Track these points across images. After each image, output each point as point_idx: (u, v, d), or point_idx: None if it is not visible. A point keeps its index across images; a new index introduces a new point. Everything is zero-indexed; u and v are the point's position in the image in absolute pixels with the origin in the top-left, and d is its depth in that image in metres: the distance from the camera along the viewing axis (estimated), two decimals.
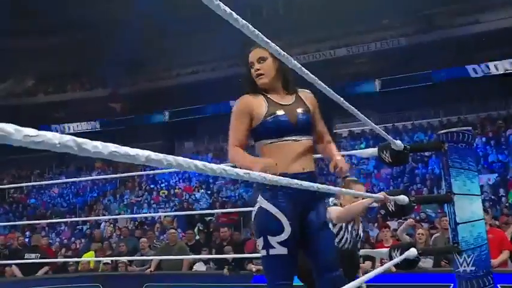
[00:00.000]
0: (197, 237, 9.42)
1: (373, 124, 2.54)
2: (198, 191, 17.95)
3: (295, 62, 1.61)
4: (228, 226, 8.71)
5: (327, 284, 2.17)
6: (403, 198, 2.79)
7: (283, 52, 1.50)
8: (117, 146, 0.68)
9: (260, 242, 2.20)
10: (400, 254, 2.74)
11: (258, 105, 2.27)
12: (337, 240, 3.09)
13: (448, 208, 2.87)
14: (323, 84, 1.84)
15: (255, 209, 2.28)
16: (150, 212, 16.33)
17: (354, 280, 1.95)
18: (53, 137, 0.58)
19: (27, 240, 10.04)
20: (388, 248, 3.03)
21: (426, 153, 15.20)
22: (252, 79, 2.35)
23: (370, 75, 22.42)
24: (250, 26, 1.23)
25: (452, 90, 19.93)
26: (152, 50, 25.30)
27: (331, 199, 3.23)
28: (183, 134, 25.69)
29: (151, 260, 6.74)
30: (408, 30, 23.40)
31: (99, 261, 7.32)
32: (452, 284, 4.57)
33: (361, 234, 3.52)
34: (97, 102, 26.92)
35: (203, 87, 23.82)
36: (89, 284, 6.69)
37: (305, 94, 2.40)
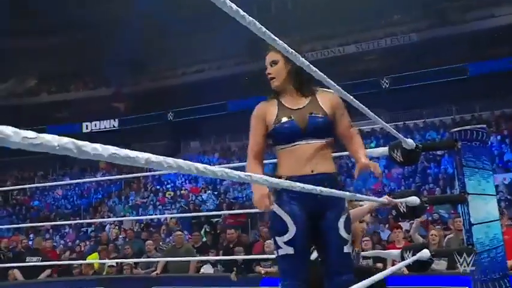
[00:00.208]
0: (204, 239, 9.45)
1: (384, 122, 2.53)
2: (205, 192, 17.99)
3: (303, 59, 1.62)
4: (235, 228, 8.72)
5: (335, 285, 2.22)
6: (414, 200, 2.78)
7: (291, 50, 1.50)
8: (117, 148, 0.69)
9: (272, 243, 2.33)
10: (413, 255, 2.74)
11: (270, 111, 2.38)
12: None
13: (462, 209, 2.86)
14: (332, 82, 1.84)
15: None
16: (155, 214, 16.39)
17: None
18: (52, 140, 0.58)
19: (30, 243, 10.09)
20: (400, 249, 3.02)
21: (438, 152, 15.12)
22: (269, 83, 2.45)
23: (379, 72, 22.34)
24: (257, 23, 1.23)
25: (465, 87, 19.80)
26: (156, 49, 25.39)
27: None
28: (189, 134, 25.76)
29: (157, 262, 6.76)
30: (420, 25, 23.28)
31: (104, 263, 7.34)
32: (467, 287, 4.55)
33: (361, 255, 3.50)
34: (100, 102, 27.06)
35: (208, 85, 23.88)
36: (94, 287, 6.72)
37: (324, 95, 2.39)
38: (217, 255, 7.13)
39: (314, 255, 2.52)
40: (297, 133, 2.29)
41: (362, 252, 4.71)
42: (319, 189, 1.75)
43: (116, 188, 20.95)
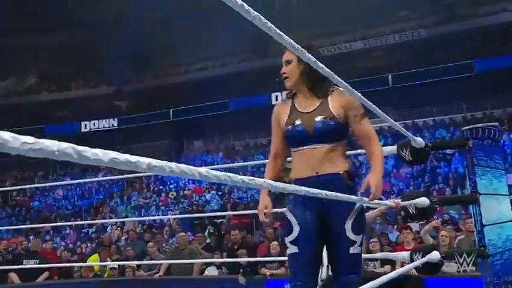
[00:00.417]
0: (208, 240, 9.46)
1: (392, 120, 2.52)
2: (209, 192, 18.00)
3: (310, 55, 1.61)
4: (240, 229, 8.71)
5: (341, 286, 2.32)
6: (422, 201, 2.77)
7: (297, 45, 1.50)
8: (117, 153, 0.69)
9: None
10: (422, 257, 2.72)
11: (283, 113, 2.46)
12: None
13: (474, 209, 2.84)
14: (339, 78, 1.83)
15: None
16: (158, 215, 16.42)
17: None
18: (51, 145, 0.58)
19: (30, 245, 10.12)
20: (409, 251, 3.01)
21: (449, 151, 15.06)
22: None
23: (387, 69, 22.27)
24: (263, 17, 1.23)
25: (476, 84, 19.69)
26: (159, 45, 25.42)
27: None
28: (192, 133, 25.79)
29: (160, 264, 6.76)
30: (428, 21, 23.20)
31: (105, 265, 7.35)
32: None
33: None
34: (102, 101, 27.13)
35: (212, 83, 23.90)
36: None
37: (337, 96, 2.40)
38: (222, 256, 7.12)
39: None
40: (304, 137, 2.35)
41: (370, 255, 4.70)
42: (324, 193, 1.75)
43: (117, 188, 21.01)
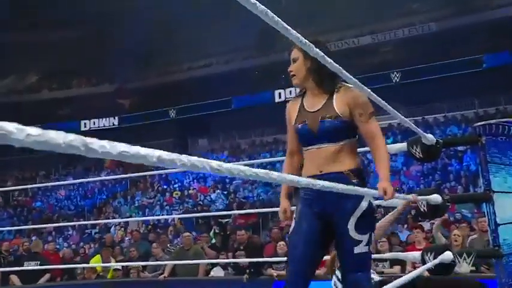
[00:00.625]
0: (213, 240, 9.47)
1: (402, 117, 2.51)
2: (214, 192, 18.02)
3: (318, 50, 1.60)
4: (246, 228, 8.73)
5: (349, 284, 2.38)
6: (435, 198, 2.75)
7: (305, 40, 1.49)
8: (127, 145, 0.68)
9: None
10: (434, 258, 2.71)
11: (293, 111, 2.52)
12: None
13: (487, 208, 2.82)
14: (347, 74, 1.82)
15: None
16: (162, 214, 16.46)
17: None
18: (57, 137, 0.57)
19: (31, 245, 10.16)
20: (421, 251, 2.99)
21: (460, 148, 14.99)
22: None
23: (396, 64, 22.18)
24: (269, 11, 1.22)
25: (489, 78, 19.55)
26: (162, 42, 25.45)
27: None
28: (197, 131, 25.82)
29: (165, 265, 6.77)
30: (439, 14, 23.05)
31: (108, 266, 7.37)
32: None
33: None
34: (104, 99, 27.20)
35: (216, 81, 23.90)
36: None
37: (343, 93, 2.41)
38: (227, 257, 7.13)
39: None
40: (310, 137, 2.41)
41: (379, 255, 4.68)
42: (335, 186, 1.74)
43: (121, 188, 21.07)
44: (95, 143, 0.63)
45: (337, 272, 3.24)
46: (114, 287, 6.81)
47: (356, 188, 1.99)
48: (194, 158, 0.80)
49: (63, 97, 28.20)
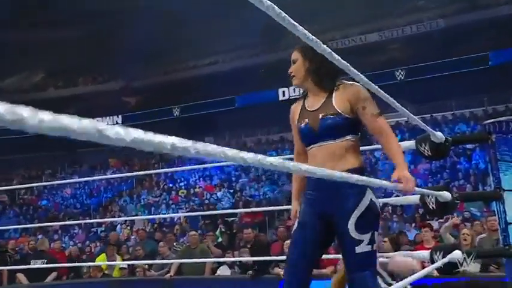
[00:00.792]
0: (219, 239, 9.48)
1: (411, 114, 2.50)
2: (220, 190, 18.04)
3: (325, 46, 1.59)
4: (253, 227, 8.73)
5: (352, 282, 2.40)
6: (445, 195, 2.73)
7: (312, 36, 1.48)
8: (141, 131, 0.68)
9: None
10: (443, 257, 2.69)
11: (295, 113, 2.58)
12: None
13: (497, 206, 2.80)
14: (355, 71, 1.81)
15: None
16: (168, 213, 16.49)
17: None
18: (70, 122, 0.57)
19: (37, 244, 10.22)
20: (429, 250, 2.98)
21: (469, 146, 14.92)
22: None
23: (403, 61, 22.09)
24: (276, 7, 1.21)
25: (498, 76, 19.43)
26: (168, 40, 25.49)
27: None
28: (202, 129, 25.83)
29: (171, 263, 6.78)
30: (447, 10, 22.94)
31: (114, 264, 7.39)
32: None
33: None
34: (110, 97, 27.28)
35: (220, 79, 23.91)
36: None
37: (342, 90, 2.43)
38: (234, 255, 7.13)
39: None
40: (312, 136, 2.45)
41: (387, 253, 4.66)
42: (338, 175, 1.72)
43: (127, 186, 21.13)
44: (109, 129, 0.62)
45: None
46: (120, 285, 6.83)
47: (371, 179, 1.97)
48: (209, 145, 0.79)
49: (69, 95, 28.30)
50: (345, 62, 1.71)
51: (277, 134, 22.92)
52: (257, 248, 6.83)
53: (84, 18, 26.23)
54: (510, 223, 2.72)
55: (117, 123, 26.75)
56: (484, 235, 5.79)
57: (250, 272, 6.12)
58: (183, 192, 18.83)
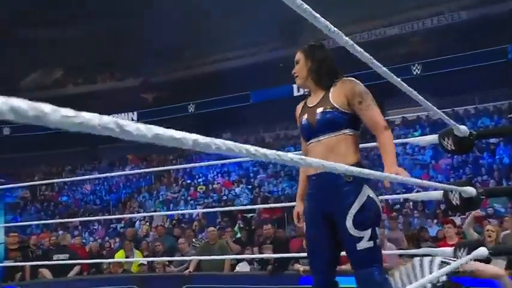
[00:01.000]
0: (238, 235, 9.50)
1: (434, 108, 2.45)
2: (238, 186, 18.08)
3: (347, 39, 1.57)
4: (271, 223, 8.72)
5: (357, 279, 2.43)
6: (469, 190, 2.69)
7: (333, 28, 1.46)
8: (162, 128, 0.69)
9: None
10: (468, 254, 2.65)
11: (299, 110, 2.70)
12: None
13: None
14: (378, 63, 1.79)
15: None
16: (187, 209, 16.58)
17: None
18: (92, 118, 0.58)
19: (59, 239, 10.35)
20: (453, 247, 2.93)
21: (492, 141, 14.68)
22: None
23: (424, 55, 21.79)
24: None
25: None
26: (186, 36, 25.53)
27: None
28: (219, 125, 25.88)
29: (190, 259, 6.82)
30: (470, 1, 22.54)
31: (135, 261, 7.45)
32: None
33: None
34: (128, 93, 27.49)
35: (238, 74, 23.88)
36: (125, 286, 6.84)
37: (339, 86, 2.52)
38: (253, 252, 7.14)
39: None
40: (310, 131, 2.54)
41: (410, 251, 4.62)
42: (355, 170, 1.70)
43: (145, 182, 21.30)
44: (130, 125, 0.63)
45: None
46: (141, 281, 6.90)
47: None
48: (230, 142, 0.80)
49: (88, 92, 28.61)
50: (368, 55, 1.69)
51: (295, 129, 22.80)
52: (276, 244, 6.82)
53: (104, 14, 26.42)
54: None
55: (132, 120, 26.94)
56: (508, 231, 5.70)
57: (269, 267, 6.13)
58: (201, 188, 18.91)
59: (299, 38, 22.73)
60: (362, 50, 1.65)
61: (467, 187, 2.67)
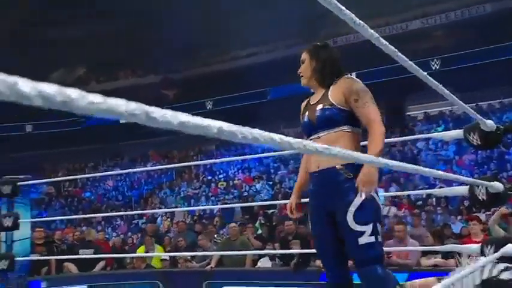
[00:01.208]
0: (259, 231, 9.51)
1: (461, 102, 2.41)
2: (259, 182, 18.08)
3: (372, 31, 1.56)
4: (293, 219, 8.68)
5: (360, 277, 2.45)
6: (496, 185, 2.64)
7: (358, 21, 1.45)
8: (188, 115, 0.68)
9: None
10: (495, 251, 2.60)
11: (302, 108, 2.78)
12: None
13: None
14: (403, 57, 1.76)
15: None
16: (208, 205, 16.65)
17: None
18: (119, 104, 0.58)
19: (84, 234, 10.48)
20: (479, 244, 2.88)
21: None
22: None
23: (447, 49, 21.45)
24: None
25: None
26: (206, 32, 25.59)
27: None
28: (239, 122, 25.79)
29: (212, 255, 6.85)
30: None
31: (155, 256, 7.52)
32: None
33: None
34: (150, 90, 27.69)
35: (259, 70, 23.85)
36: (148, 281, 6.91)
37: (339, 83, 2.56)
38: (274, 248, 7.13)
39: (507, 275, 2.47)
40: (311, 128, 2.61)
41: (433, 247, 4.56)
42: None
43: (167, 178, 21.45)
44: (156, 111, 0.64)
45: None
46: (164, 276, 6.95)
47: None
48: (256, 131, 0.80)
49: (110, 89, 28.90)
50: (392, 48, 1.67)
51: None
52: (298, 240, 6.80)
53: (125, 11, 26.64)
54: None
55: None
56: None
57: (293, 261, 6.12)
58: (222, 185, 18.97)
59: (318, 35, 22.61)
60: (387, 43, 1.63)
61: (495, 182, 2.62)
